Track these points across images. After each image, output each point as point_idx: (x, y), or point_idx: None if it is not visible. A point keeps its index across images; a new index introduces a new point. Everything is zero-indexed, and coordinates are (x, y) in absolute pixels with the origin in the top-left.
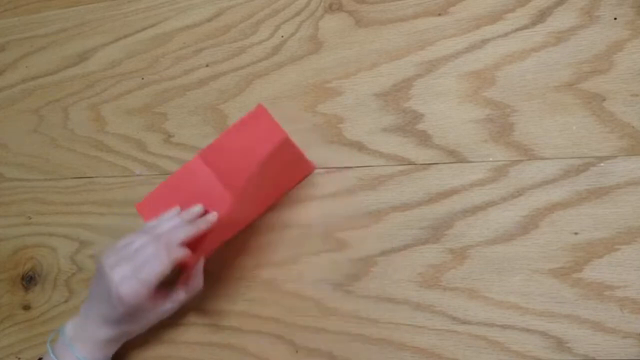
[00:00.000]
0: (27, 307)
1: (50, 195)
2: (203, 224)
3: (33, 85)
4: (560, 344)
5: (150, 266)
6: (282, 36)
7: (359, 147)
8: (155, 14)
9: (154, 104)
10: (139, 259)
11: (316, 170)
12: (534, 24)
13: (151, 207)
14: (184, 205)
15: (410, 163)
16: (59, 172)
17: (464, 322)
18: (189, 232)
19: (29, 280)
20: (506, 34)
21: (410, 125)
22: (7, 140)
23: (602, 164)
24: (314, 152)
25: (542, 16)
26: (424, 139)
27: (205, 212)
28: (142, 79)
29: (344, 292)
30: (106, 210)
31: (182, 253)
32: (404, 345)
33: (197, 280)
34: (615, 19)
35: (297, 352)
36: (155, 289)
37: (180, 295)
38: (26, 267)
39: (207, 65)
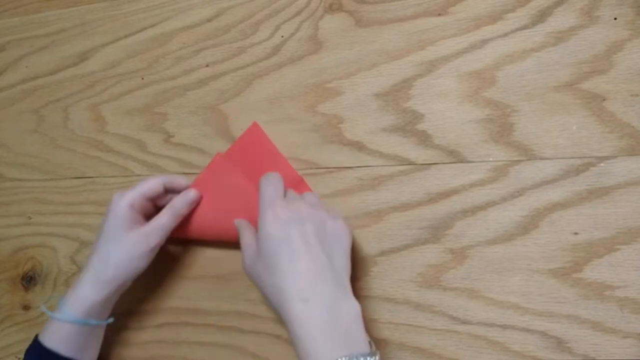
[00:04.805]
0: (27, 307)
1: (50, 195)
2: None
3: (33, 85)
4: (560, 344)
5: (144, 181)
6: (282, 36)
7: (359, 147)
8: (155, 14)
9: (154, 104)
10: None
11: (316, 170)
12: (534, 24)
13: None
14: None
15: (410, 163)
16: (59, 172)
17: (464, 322)
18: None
19: (29, 280)
20: (506, 34)
21: (410, 125)
22: (7, 140)
23: (602, 164)
24: (314, 152)
25: (542, 16)
26: (424, 139)
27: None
28: (142, 79)
29: None
30: (106, 211)
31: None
32: (404, 345)
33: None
34: (615, 19)
35: None
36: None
37: (163, 219)
38: (26, 267)
39: (207, 65)
